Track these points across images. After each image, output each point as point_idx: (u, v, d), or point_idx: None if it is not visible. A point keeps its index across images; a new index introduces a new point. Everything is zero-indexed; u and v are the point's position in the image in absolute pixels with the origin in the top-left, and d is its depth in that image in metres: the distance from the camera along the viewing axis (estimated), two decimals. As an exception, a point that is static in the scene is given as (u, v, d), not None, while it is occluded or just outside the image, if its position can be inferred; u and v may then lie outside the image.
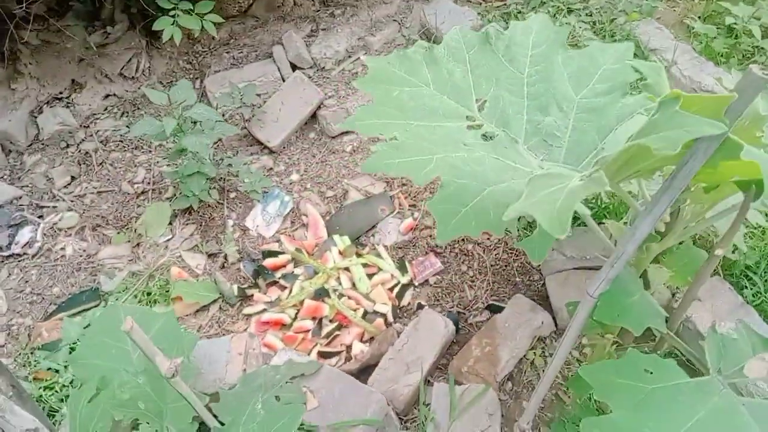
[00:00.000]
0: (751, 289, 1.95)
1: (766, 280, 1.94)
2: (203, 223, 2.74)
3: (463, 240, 2.57)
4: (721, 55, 2.74)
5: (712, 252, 1.12)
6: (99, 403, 1.49)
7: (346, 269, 2.45)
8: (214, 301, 2.44)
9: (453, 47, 1.49)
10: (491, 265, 2.49)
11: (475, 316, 2.34)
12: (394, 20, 3.61)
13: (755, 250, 1.99)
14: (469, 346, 2.11)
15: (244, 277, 2.52)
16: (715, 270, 2.09)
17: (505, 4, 3.41)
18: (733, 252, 2.04)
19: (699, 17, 2.96)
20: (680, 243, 1.33)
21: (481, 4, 3.46)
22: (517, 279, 2.43)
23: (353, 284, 2.41)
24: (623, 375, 1.14)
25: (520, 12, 3.28)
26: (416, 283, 2.45)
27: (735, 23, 2.58)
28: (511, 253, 2.51)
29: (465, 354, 2.09)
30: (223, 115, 3.21)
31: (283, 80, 3.21)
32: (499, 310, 2.25)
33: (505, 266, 2.48)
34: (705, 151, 0.90)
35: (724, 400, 1.10)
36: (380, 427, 1.86)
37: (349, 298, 2.35)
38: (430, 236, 2.59)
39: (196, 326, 2.38)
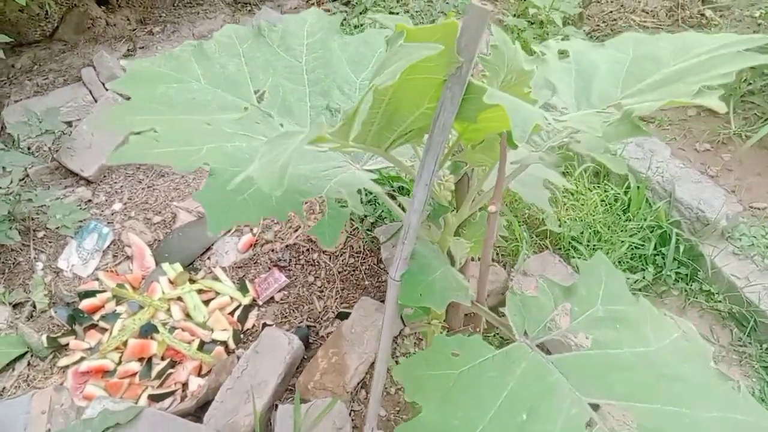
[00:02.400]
0: (579, 258, 2.01)
1: (590, 249, 2.01)
2: (6, 270, 2.36)
3: (308, 250, 2.43)
4: (532, 44, 2.90)
5: (487, 211, 1.08)
6: None
7: (179, 299, 2.21)
8: (21, 357, 2.08)
9: (225, 43, 1.38)
10: (339, 272, 2.37)
11: (326, 327, 2.21)
12: (222, 34, 3.44)
13: (577, 221, 2.06)
14: (316, 359, 1.97)
15: (58, 326, 2.18)
16: (545, 244, 2.14)
17: (331, 14, 3.38)
18: (560, 227, 2.11)
19: (513, 14, 3.13)
20: (480, 209, 1.29)
21: (308, 12, 3.40)
22: (366, 282, 2.34)
23: (187, 315, 2.17)
24: (432, 365, 1.05)
25: (345, 20, 3.26)
26: (260, 303, 2.26)
27: (538, 13, 2.74)
28: (357, 257, 2.42)
29: (311, 369, 1.94)
30: (29, 149, 2.84)
31: (96, 103, 2.90)
32: (348, 316, 2.13)
33: (353, 271, 2.38)
34: (452, 100, 0.84)
35: (532, 363, 1.05)
36: (218, 468, 1.65)
37: (183, 330, 2.10)
38: (272, 251, 2.42)
39: (-1, 390, 2.00)
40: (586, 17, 3.52)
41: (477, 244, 1.27)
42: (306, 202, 2.55)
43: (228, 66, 1.35)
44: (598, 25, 3.55)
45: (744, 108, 2.70)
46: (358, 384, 1.96)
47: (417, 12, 3.21)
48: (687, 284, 1.98)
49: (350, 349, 1.97)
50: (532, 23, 2.83)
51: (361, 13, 3.32)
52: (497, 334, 2.00)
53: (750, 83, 2.73)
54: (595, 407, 0.99)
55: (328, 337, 2.15)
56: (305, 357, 2.08)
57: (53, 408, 1.70)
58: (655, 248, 1.99)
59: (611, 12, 3.69)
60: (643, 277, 1.97)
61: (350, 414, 1.86)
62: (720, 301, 1.91)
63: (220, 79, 1.33)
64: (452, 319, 1.53)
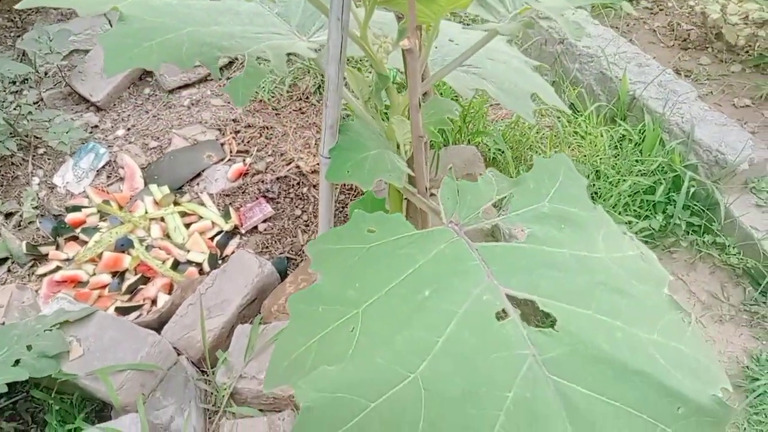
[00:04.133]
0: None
1: (593, 192, 1.81)
2: (4, 183, 2.38)
3: (298, 184, 2.34)
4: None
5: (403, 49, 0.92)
6: None
7: (161, 219, 2.16)
8: (2, 262, 2.09)
9: None
10: (327, 208, 2.26)
11: (306, 260, 2.11)
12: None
13: (583, 162, 1.86)
14: (284, 285, 1.88)
15: (42, 236, 2.18)
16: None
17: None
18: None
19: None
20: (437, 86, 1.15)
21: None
22: (354, 220, 2.22)
23: (166, 234, 2.12)
24: (344, 240, 0.93)
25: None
26: (243, 231, 2.19)
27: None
28: (348, 193, 2.31)
29: (278, 293, 1.85)
30: (46, 74, 2.87)
31: (114, 32, 2.90)
32: (328, 249, 2.02)
33: (343, 208, 2.27)
34: None
35: (452, 247, 0.91)
36: (163, 375, 1.58)
37: (160, 248, 2.06)
38: (262, 181, 2.34)
39: (-22, 292, 2.01)
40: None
41: (425, 127, 1.12)
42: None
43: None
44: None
45: (795, 64, 2.41)
46: (327, 315, 1.85)
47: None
48: (699, 236, 1.75)
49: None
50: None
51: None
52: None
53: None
54: (516, 301, 0.85)
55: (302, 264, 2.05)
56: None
57: (12, 303, 1.68)
58: (665, 194, 1.77)
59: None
60: (650, 226, 1.75)
61: (312, 342, 1.75)
62: (734, 255, 1.68)
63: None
64: (412, 213, 1.37)
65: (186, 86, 2.83)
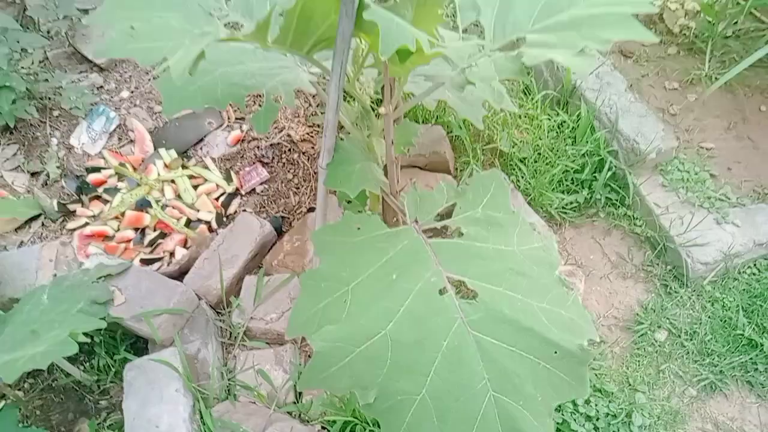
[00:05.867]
0: (522, 177, 2.23)
1: (532, 170, 2.23)
2: (26, 143, 2.67)
3: (289, 150, 2.69)
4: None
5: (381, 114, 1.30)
6: None
7: (172, 181, 2.51)
8: (36, 218, 2.43)
9: None
10: (314, 173, 2.63)
11: (298, 219, 2.50)
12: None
13: (527, 143, 2.26)
14: (281, 242, 2.28)
15: (68, 194, 2.52)
16: (493, 163, 2.36)
17: None
18: (513, 147, 2.31)
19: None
20: (406, 115, 1.51)
21: None
22: (339, 183, 2.61)
23: (178, 195, 2.48)
24: (339, 233, 1.33)
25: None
26: (243, 192, 2.56)
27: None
28: (333, 160, 2.67)
29: (276, 250, 2.26)
30: (48, 32, 3.07)
31: (111, -5, 3.09)
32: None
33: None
34: (347, 14, 1.05)
35: (413, 242, 1.32)
36: (189, 316, 2.00)
37: (173, 208, 2.42)
38: (257, 147, 2.68)
39: (17, 242, 2.37)
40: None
41: (396, 145, 1.50)
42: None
43: (202, -27, 1.54)
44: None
45: (722, 51, 2.77)
46: (317, 266, 2.27)
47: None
48: (615, 209, 2.20)
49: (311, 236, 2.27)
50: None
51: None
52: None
53: (736, 23, 2.77)
54: (453, 282, 1.27)
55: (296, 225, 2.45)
56: (276, 242, 2.40)
57: (59, 258, 2.06)
58: (591, 173, 2.20)
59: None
60: (576, 200, 2.20)
61: (305, 289, 2.19)
62: (639, 226, 2.15)
63: (195, -17, 1.52)
64: (387, 211, 1.79)
65: (182, 50, 3.08)
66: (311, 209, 2.49)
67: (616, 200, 2.21)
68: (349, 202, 1.86)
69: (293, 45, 1.17)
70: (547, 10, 1.40)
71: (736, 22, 2.67)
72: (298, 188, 2.60)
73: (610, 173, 2.18)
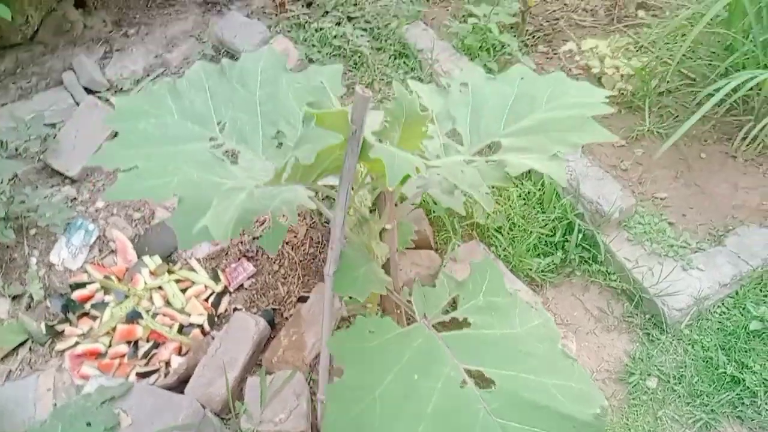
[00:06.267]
0: (499, 246, 2.37)
1: (509, 238, 2.38)
2: (3, 266, 2.65)
3: (272, 241, 2.76)
4: (475, 50, 3.22)
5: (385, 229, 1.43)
6: None
7: (159, 288, 2.53)
8: (23, 343, 2.39)
9: (194, 79, 1.65)
10: (300, 261, 2.70)
11: (289, 309, 2.55)
12: (191, 36, 3.68)
13: (500, 213, 2.42)
14: (278, 337, 2.31)
15: (54, 315, 2.49)
16: (472, 234, 2.50)
17: (294, 16, 3.64)
18: (487, 218, 2.46)
19: (458, 21, 3.42)
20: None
21: (271, 18, 3.64)
22: (324, 269, 2.68)
23: (167, 302, 2.49)
24: (354, 340, 1.40)
25: (307, 22, 3.52)
26: (231, 289, 2.59)
27: (477, 22, 3.05)
28: (317, 246, 2.75)
29: (275, 346, 2.29)
30: (16, 150, 3.09)
31: (78, 106, 3.15)
32: (307, 300, 2.48)
33: (313, 259, 2.72)
34: (352, 152, 1.17)
35: (427, 340, 1.41)
36: (197, 429, 2.00)
37: (164, 315, 2.43)
38: (241, 243, 2.74)
39: (5, 372, 2.32)
40: (531, 16, 3.81)
41: (400, 243, 1.61)
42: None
43: (196, 101, 1.64)
44: (541, 25, 3.85)
45: (659, 106, 3.05)
46: (315, 357, 2.31)
47: (373, 16, 3.48)
48: (589, 266, 2.36)
49: (308, 328, 2.32)
50: (473, 30, 3.14)
51: (321, 16, 3.57)
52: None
53: (668, 81, 3.06)
54: (470, 373, 1.36)
55: (290, 318, 2.49)
56: (271, 336, 2.42)
57: (57, 386, 2.03)
58: (562, 236, 2.36)
59: (554, 11, 3.99)
60: (553, 261, 2.35)
61: (308, 383, 2.21)
62: (614, 280, 2.31)
63: (190, 113, 1.62)
64: (386, 302, 1.87)
65: (152, 153, 3.14)
66: (301, 299, 2.55)
67: (589, 258, 2.38)
68: (350, 297, 1.93)
69: (302, 179, 1.27)
70: (513, 115, 1.57)
71: (667, 81, 2.97)
72: (285, 278, 2.66)
73: (580, 235, 2.35)
